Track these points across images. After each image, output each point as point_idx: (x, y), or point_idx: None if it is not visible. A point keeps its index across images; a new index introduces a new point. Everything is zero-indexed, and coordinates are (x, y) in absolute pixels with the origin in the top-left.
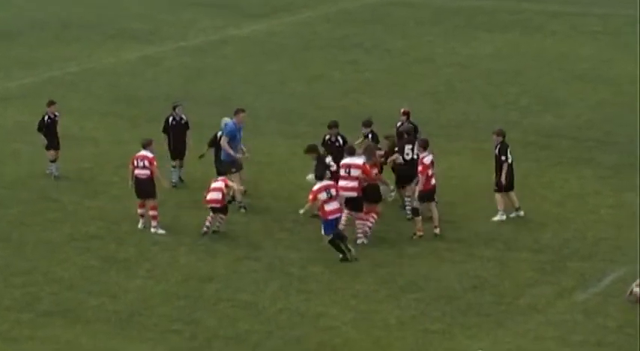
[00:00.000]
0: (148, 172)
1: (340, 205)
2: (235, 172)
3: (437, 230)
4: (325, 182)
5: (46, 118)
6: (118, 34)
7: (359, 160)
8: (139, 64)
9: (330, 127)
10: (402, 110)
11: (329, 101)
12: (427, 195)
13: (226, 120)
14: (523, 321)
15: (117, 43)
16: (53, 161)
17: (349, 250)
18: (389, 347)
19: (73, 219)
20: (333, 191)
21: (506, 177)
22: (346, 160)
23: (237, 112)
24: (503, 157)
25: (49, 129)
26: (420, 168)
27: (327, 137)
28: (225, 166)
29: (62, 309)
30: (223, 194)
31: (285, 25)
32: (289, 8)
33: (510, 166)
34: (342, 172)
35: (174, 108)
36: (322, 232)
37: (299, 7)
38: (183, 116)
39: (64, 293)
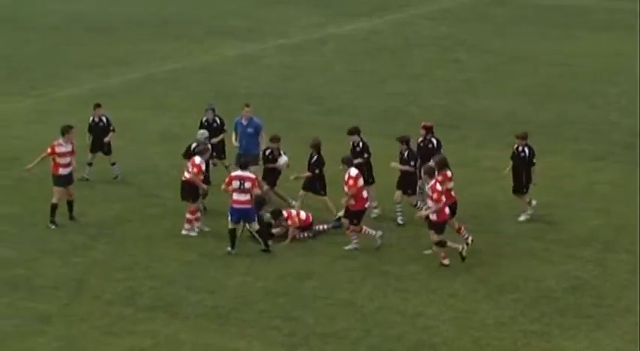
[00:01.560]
0: (189, 176)
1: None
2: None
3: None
4: (238, 173)
5: (90, 120)
6: (217, 31)
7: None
8: (238, 61)
9: (351, 133)
10: (422, 124)
11: (429, 100)
12: (441, 227)
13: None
14: (622, 323)
15: (215, 40)
16: (89, 164)
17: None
18: (487, 347)
19: (172, 215)
20: (246, 183)
21: (528, 178)
22: (238, 173)
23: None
24: (534, 160)
25: (94, 132)
26: (434, 196)
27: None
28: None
29: (162, 304)
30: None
31: (385, 24)
32: (390, 7)
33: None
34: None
35: (206, 111)
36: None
37: (400, 5)
38: (217, 119)
39: (165, 288)
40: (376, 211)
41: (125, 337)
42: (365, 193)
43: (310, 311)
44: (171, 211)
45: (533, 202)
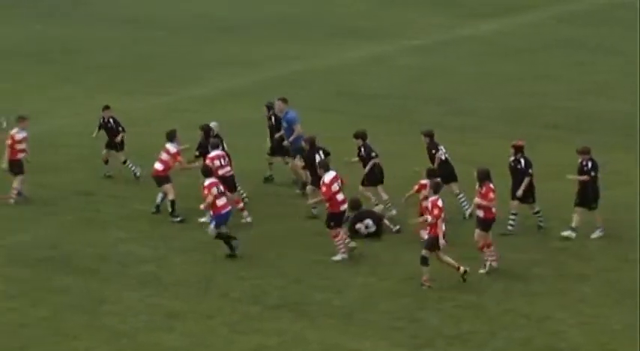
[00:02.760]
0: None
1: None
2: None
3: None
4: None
5: (100, 120)
6: (342, 32)
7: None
8: (363, 62)
9: (355, 136)
10: (512, 143)
11: (557, 102)
12: (434, 243)
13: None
14: None
15: (341, 41)
16: (106, 162)
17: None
18: None
19: (293, 214)
20: (221, 187)
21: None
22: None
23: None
24: (593, 173)
25: (105, 131)
26: (435, 212)
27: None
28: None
29: (289, 302)
30: None
31: (513, 26)
32: (516, 8)
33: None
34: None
35: (267, 107)
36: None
37: (526, 7)
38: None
39: (291, 287)
40: (394, 211)
41: (252, 334)
42: (340, 197)
43: (435, 313)
44: (290, 209)
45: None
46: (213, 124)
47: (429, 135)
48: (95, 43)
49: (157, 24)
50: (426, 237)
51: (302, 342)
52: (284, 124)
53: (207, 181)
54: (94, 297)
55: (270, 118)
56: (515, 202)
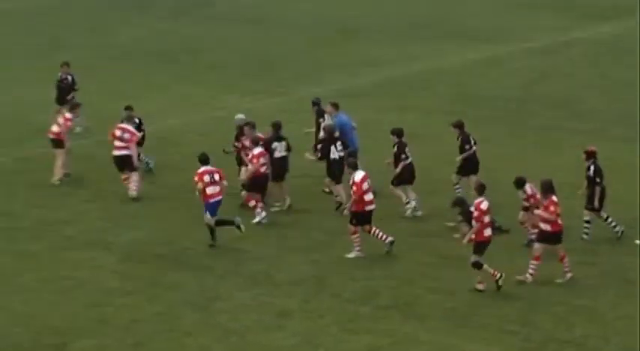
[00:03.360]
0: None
1: None
2: None
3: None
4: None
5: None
6: (461, 34)
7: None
8: (483, 64)
9: (392, 133)
10: (585, 149)
11: None
12: (482, 247)
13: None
14: None
15: (460, 42)
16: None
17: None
18: None
19: (397, 215)
20: (215, 176)
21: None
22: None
23: None
24: (597, 179)
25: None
26: (475, 214)
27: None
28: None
29: (400, 303)
30: None
31: (632, 28)
32: (634, 11)
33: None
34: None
35: (313, 104)
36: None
37: None
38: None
39: (402, 288)
40: (419, 212)
41: (363, 334)
42: (368, 197)
43: (548, 317)
44: (401, 210)
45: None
46: (239, 117)
47: (459, 126)
48: (217, 43)
49: (278, 24)
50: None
51: (414, 343)
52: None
53: (201, 169)
54: (207, 294)
55: (316, 114)
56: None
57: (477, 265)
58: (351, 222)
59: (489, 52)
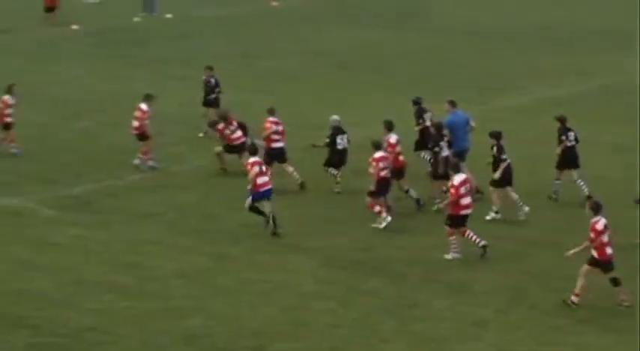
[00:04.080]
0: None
1: None
2: None
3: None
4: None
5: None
6: None
7: None
8: None
9: (490, 136)
10: None
11: None
12: (605, 265)
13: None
14: None
15: None
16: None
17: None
18: None
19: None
20: (264, 166)
21: None
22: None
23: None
24: None
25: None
26: (592, 235)
27: None
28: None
29: (598, 317)
30: None
31: None
32: None
33: None
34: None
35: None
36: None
37: None
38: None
39: (601, 301)
40: (526, 209)
41: (558, 346)
42: (465, 201)
43: None
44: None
45: None
46: (334, 118)
47: (561, 120)
48: (427, 53)
49: (484, 34)
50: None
51: None
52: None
53: (252, 159)
54: (404, 301)
55: (416, 114)
56: None
57: (616, 283)
58: (446, 224)
59: None
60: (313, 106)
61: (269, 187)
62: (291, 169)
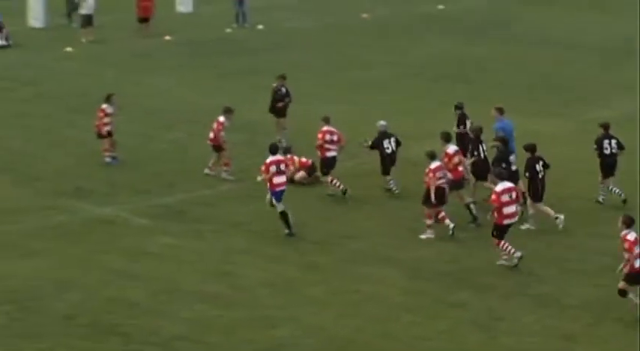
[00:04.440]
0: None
1: None
2: None
3: None
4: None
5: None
6: None
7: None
8: None
9: (525, 149)
10: None
11: None
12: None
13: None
14: None
15: None
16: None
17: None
18: None
19: None
20: (282, 166)
21: None
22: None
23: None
24: None
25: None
26: (625, 245)
27: None
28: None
29: None
30: None
31: None
32: None
33: None
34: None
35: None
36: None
37: None
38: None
39: None
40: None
41: None
42: (508, 210)
43: None
44: None
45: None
46: (381, 123)
47: (603, 127)
48: (507, 64)
49: (569, 44)
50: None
51: None
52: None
53: (269, 159)
54: (492, 314)
55: (459, 119)
56: None
57: (622, 293)
58: (492, 235)
59: None
60: (403, 117)
61: (283, 188)
62: (329, 179)
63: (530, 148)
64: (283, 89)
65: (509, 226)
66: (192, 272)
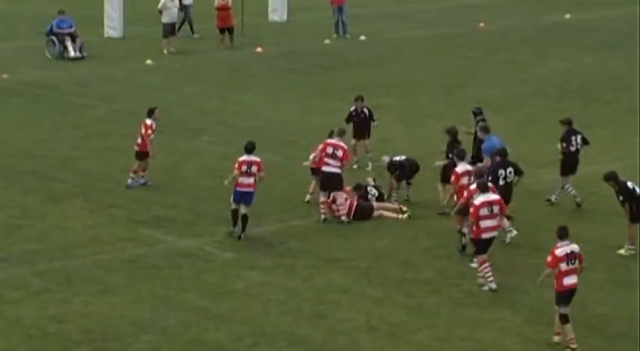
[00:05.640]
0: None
1: None
2: None
3: None
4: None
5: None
6: None
7: None
8: None
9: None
10: None
11: None
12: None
13: None
14: None
15: None
16: None
17: None
18: None
19: None
20: (253, 167)
21: None
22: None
23: None
24: None
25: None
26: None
27: None
28: None
29: None
30: None
31: None
32: None
33: None
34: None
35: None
36: None
37: None
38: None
39: None
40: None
41: None
42: (486, 223)
43: None
44: None
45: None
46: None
47: (567, 122)
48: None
49: None
50: None
51: None
52: None
53: (242, 158)
54: None
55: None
56: None
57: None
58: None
59: None
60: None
61: (246, 190)
62: (321, 199)
63: (500, 153)
64: (365, 111)
65: (489, 240)
66: (281, 313)
